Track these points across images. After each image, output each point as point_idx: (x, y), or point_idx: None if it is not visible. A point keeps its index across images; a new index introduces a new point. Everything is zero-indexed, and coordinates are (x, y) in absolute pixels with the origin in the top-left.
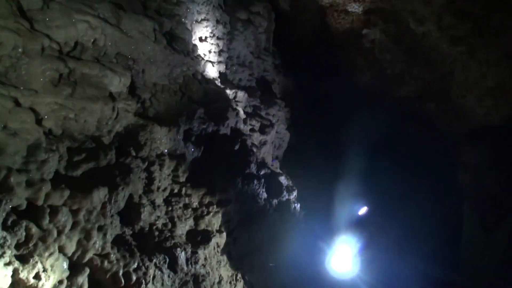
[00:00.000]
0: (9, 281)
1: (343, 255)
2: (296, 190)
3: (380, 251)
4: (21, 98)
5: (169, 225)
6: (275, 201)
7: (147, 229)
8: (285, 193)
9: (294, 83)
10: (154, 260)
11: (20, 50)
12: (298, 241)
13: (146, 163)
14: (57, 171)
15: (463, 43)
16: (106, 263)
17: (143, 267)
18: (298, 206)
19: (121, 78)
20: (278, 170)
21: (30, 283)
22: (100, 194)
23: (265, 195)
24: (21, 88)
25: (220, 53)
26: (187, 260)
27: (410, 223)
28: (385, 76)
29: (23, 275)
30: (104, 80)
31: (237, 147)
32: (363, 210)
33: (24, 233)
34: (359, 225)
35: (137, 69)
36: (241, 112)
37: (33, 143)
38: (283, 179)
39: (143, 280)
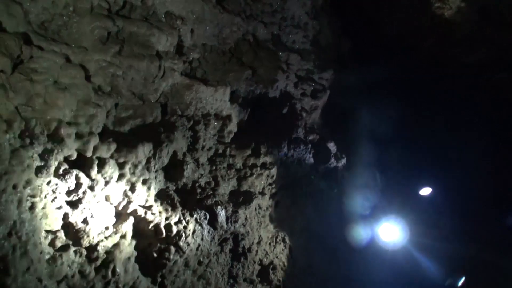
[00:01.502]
0: (60, 223)
1: (389, 228)
2: (345, 158)
3: (430, 227)
4: (71, 55)
5: (212, 184)
6: (321, 168)
7: (190, 186)
8: (333, 160)
9: (351, 47)
10: (195, 216)
11: (71, 8)
12: (342, 209)
13: (192, 122)
14: (105, 126)
15: None
16: (149, 214)
17: (183, 221)
18: (346, 174)
19: (168, 37)
20: (328, 137)
21: (79, 227)
22: (145, 149)
23: (311, 160)
24: (72, 45)
25: (273, 13)
26: (227, 218)
27: (467, 203)
28: (453, 40)
29: (72, 219)
30: (151, 39)
31: (285, 110)
32: (425, 191)
33: (74, 181)
34: (411, 201)
35: (186, 28)
36: (293, 75)
37: (82, 98)
38: (332, 146)
39: (183, 233)
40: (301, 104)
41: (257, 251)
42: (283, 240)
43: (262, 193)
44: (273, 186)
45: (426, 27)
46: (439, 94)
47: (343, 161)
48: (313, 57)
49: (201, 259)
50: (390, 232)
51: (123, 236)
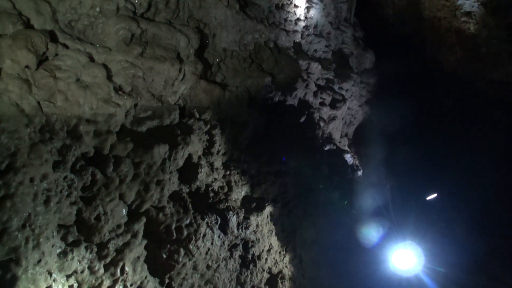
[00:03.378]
0: (73, 218)
1: (405, 249)
2: (361, 170)
3: (447, 248)
4: (95, 55)
5: (225, 189)
6: (336, 179)
7: (203, 189)
8: (349, 171)
9: (373, 59)
10: (206, 220)
11: (97, 9)
12: (356, 223)
13: (208, 126)
14: (123, 125)
15: None
16: (161, 215)
17: (194, 224)
18: (361, 187)
19: (190, 41)
20: (345, 148)
21: (91, 223)
22: (160, 151)
23: (326, 171)
24: (97, 45)
25: (296, 21)
26: (238, 224)
27: (485, 220)
28: (479, 56)
29: (85, 215)
30: (173, 42)
31: (303, 119)
32: (432, 196)
33: (90, 178)
34: (428, 217)
35: (207, 33)
36: (312, 84)
37: (102, 97)
38: (348, 157)
39: (193, 236)
40: (320, 114)
41: (266, 259)
42: (293, 250)
43: (274, 201)
44: (286, 194)
45: (452, 42)
46: (464, 110)
47: (359, 173)
48: (334, 67)
49: (210, 263)
50: (405, 258)
51: (134, 235)
